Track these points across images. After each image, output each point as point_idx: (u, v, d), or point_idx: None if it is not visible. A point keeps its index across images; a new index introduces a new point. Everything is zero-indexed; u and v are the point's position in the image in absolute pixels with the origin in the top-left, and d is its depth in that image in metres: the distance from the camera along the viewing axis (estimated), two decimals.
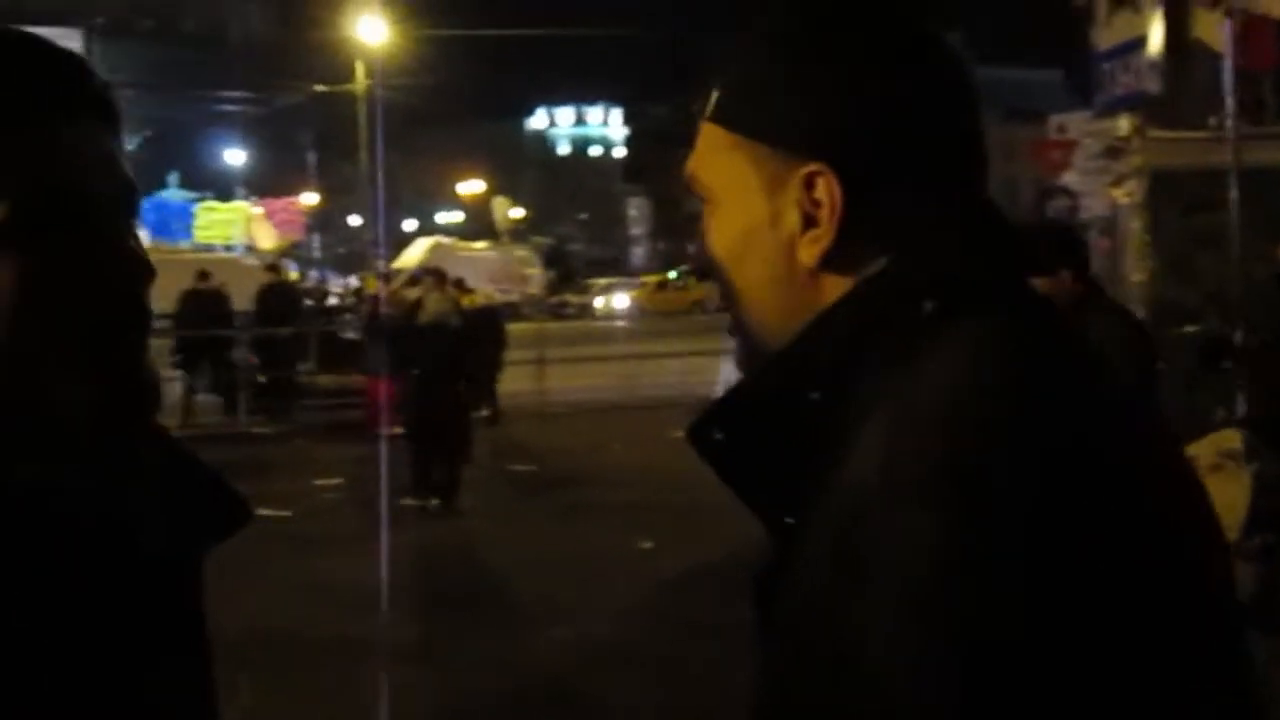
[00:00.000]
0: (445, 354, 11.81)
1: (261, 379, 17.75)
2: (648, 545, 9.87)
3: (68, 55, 1.09)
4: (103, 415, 1.07)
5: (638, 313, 46.59)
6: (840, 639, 0.93)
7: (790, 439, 1.07)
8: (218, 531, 1.20)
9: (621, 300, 49.19)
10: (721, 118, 1.16)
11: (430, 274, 13.80)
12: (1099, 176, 15.12)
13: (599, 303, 39.11)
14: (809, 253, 1.10)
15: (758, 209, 1.13)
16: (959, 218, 1.10)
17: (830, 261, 1.10)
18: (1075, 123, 17.07)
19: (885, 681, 0.89)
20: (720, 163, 1.17)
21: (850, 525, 0.95)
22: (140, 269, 1.09)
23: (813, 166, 1.09)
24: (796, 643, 1.01)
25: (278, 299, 18.73)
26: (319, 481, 12.77)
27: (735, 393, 1.13)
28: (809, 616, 0.99)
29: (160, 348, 17.12)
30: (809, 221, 1.10)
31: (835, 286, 1.10)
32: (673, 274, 56.52)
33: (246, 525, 1.23)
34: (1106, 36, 14.51)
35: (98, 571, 1.05)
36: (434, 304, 12.52)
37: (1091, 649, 0.88)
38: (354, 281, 43.39)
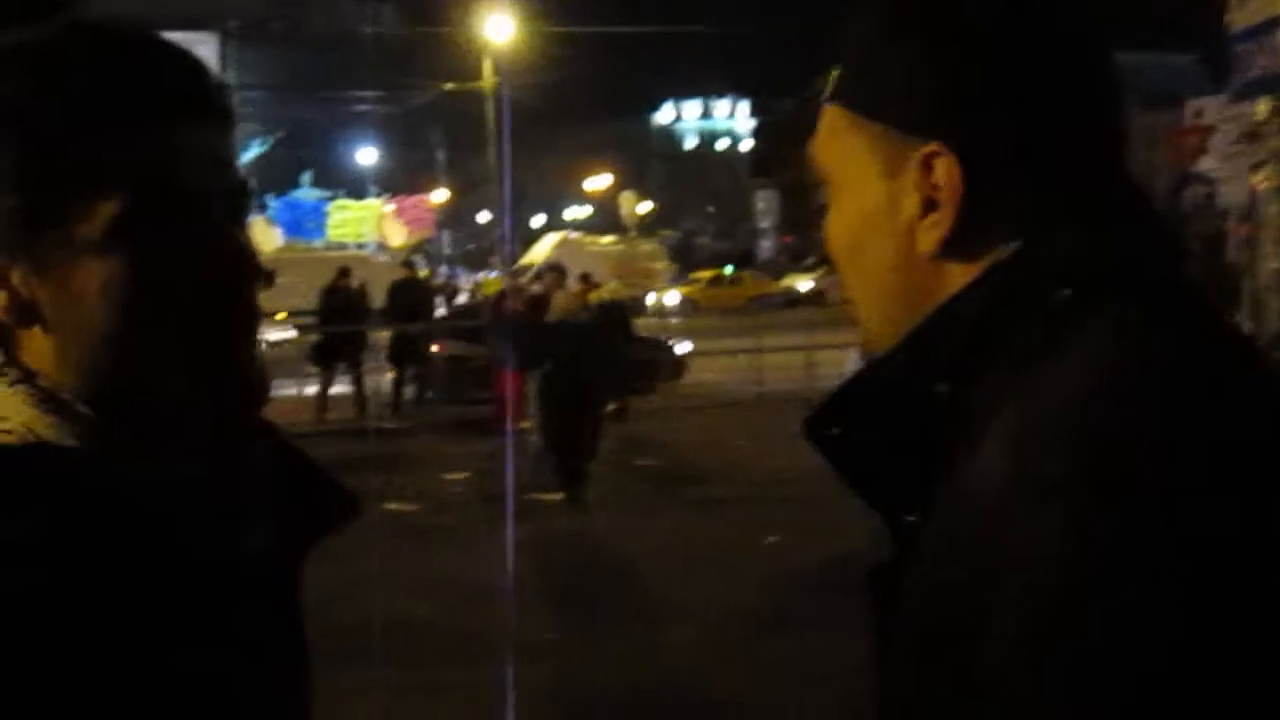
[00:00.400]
0: (573, 349, 11.81)
1: (390, 375, 17.98)
2: (773, 540, 9.80)
3: (183, 54, 1.09)
4: (208, 411, 1.08)
5: (690, 309, 45.76)
6: (966, 645, 0.87)
7: (913, 433, 1.01)
8: (323, 527, 1.21)
9: (673, 297, 48.33)
10: (841, 97, 1.12)
11: (552, 269, 13.89)
12: (1237, 161, 14.67)
13: (650, 299, 38.34)
14: (928, 239, 1.05)
15: (875, 193, 1.08)
16: (1093, 200, 1.02)
17: (952, 248, 1.04)
18: (1212, 107, 16.57)
19: (1008, 695, 0.84)
20: (839, 145, 1.12)
21: (980, 528, 0.89)
22: (250, 268, 1.09)
23: (931, 147, 1.03)
24: (918, 644, 0.95)
25: (408, 295, 18.95)
26: (447, 476, 12.89)
27: (853, 385, 1.08)
28: (933, 619, 0.93)
29: (300, 344, 17.50)
30: (929, 206, 1.04)
31: (958, 274, 1.04)
32: (727, 269, 56.25)
33: (353, 520, 1.23)
34: (1242, 17, 14.07)
35: (200, 566, 1.05)
36: (562, 300, 12.58)
37: (1244, 677, 0.81)
38: (482, 278, 43.82)
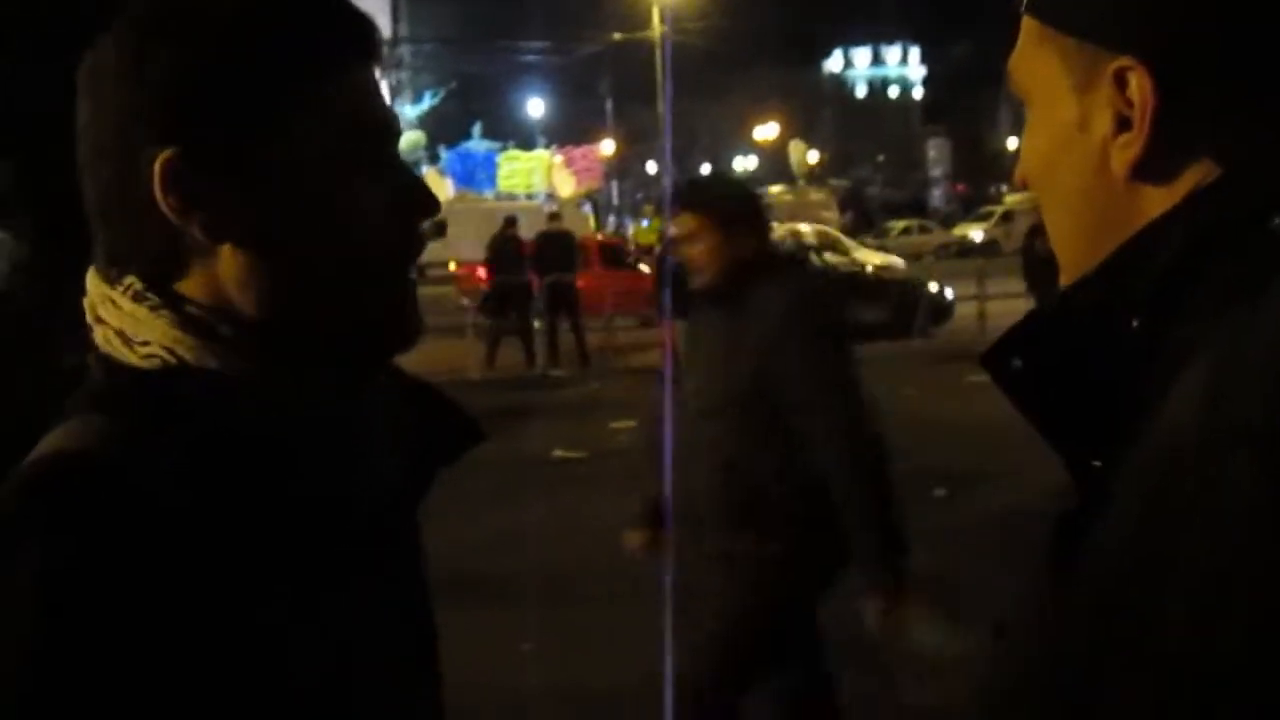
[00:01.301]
0: None
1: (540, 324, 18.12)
2: (941, 493, 9.69)
3: (356, 8, 1.14)
4: (365, 342, 1.12)
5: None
6: (1145, 598, 0.82)
7: (1102, 370, 0.94)
8: (450, 453, 1.23)
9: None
10: (1034, 8, 1.04)
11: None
12: None
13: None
14: (1121, 159, 0.97)
15: (1067, 111, 1.00)
16: None
17: (1147, 170, 0.96)
18: None
19: (1186, 649, 0.78)
20: (1032, 60, 1.04)
21: (1163, 474, 0.83)
22: (429, 200, 1.15)
23: (1123, 60, 0.95)
24: (1100, 595, 0.88)
25: (554, 247, 19.07)
26: (614, 425, 12.97)
27: (1039, 316, 1.01)
28: (1114, 571, 0.86)
29: (472, 294, 17.72)
30: (1121, 124, 0.96)
31: (1156, 200, 0.96)
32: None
33: (475, 445, 1.25)
34: None
35: (328, 500, 1.07)
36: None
37: None
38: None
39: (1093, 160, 0.99)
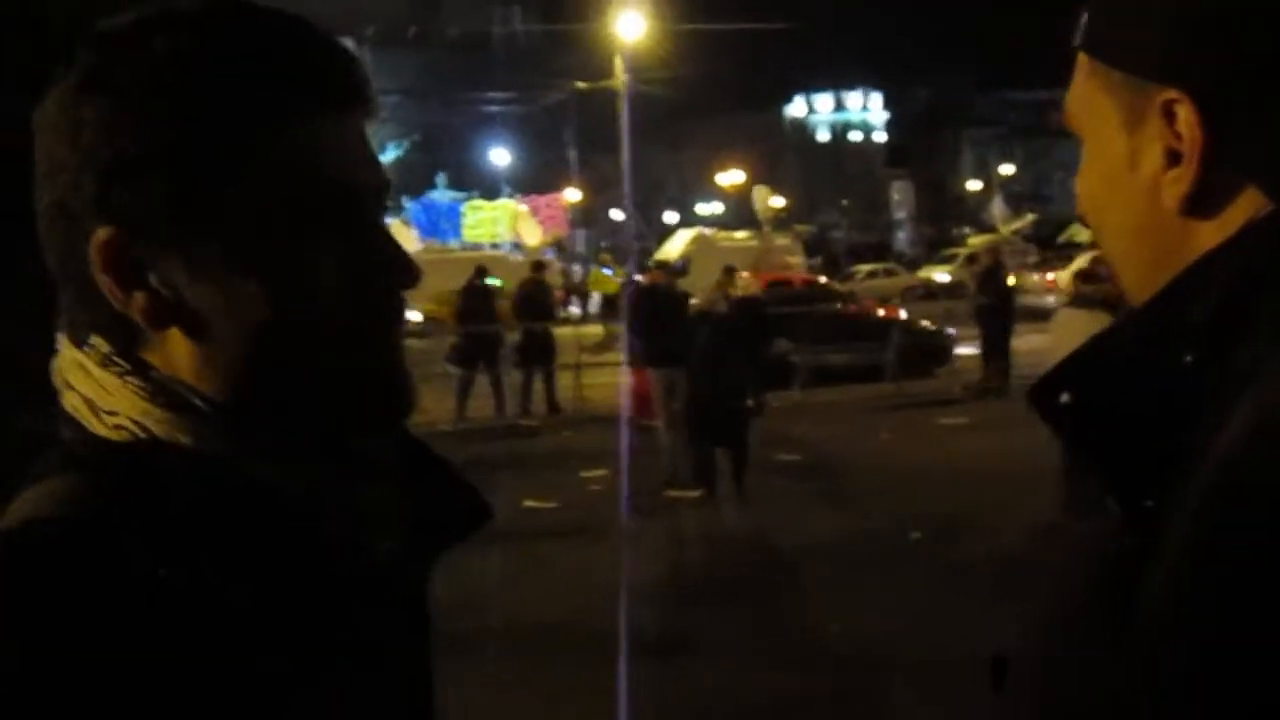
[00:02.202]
0: (714, 342, 11.73)
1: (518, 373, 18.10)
2: (916, 536, 9.65)
3: (336, 42, 1.03)
4: (353, 415, 1.03)
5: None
6: (1203, 643, 0.79)
7: (1153, 406, 0.91)
8: (456, 533, 1.16)
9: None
10: (1087, 43, 1.02)
11: (664, 268, 13.97)
12: None
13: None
14: (1172, 193, 0.95)
15: (1118, 147, 0.99)
16: None
17: (1199, 205, 0.94)
18: None
19: (1251, 690, 0.76)
20: (1085, 96, 1.03)
21: (1206, 510, 0.81)
22: (410, 269, 1.04)
23: (1170, 94, 0.93)
24: (1159, 638, 0.84)
25: (534, 296, 19.01)
26: (585, 473, 12.91)
27: (1091, 350, 0.97)
28: (1171, 614, 0.82)
29: (441, 345, 17.69)
30: (1172, 158, 0.94)
31: (1208, 234, 0.94)
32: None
33: (484, 525, 1.18)
34: None
35: (320, 571, 0.99)
36: (704, 293, 12.59)
37: None
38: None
39: (1144, 196, 0.97)
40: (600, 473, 13.03)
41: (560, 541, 9.74)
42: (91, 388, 0.99)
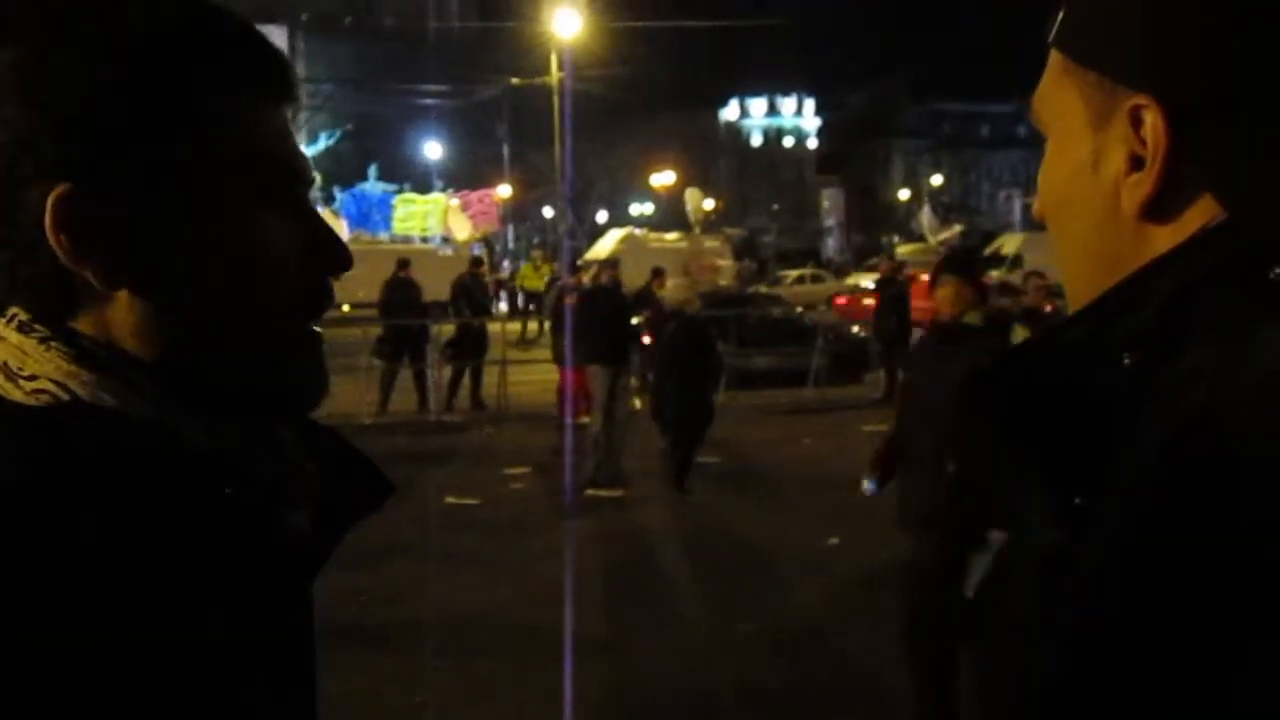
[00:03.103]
0: (688, 338, 12.07)
1: (449, 369, 18.06)
2: (834, 542, 9.73)
3: (274, 44, 1.08)
4: (276, 390, 1.06)
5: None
6: (1157, 633, 0.80)
7: (1089, 406, 0.93)
8: (359, 510, 1.17)
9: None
10: (1059, 40, 1.04)
11: (608, 265, 13.98)
12: None
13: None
14: (1131, 197, 0.97)
15: (1083, 146, 1.01)
16: None
17: (1156, 210, 0.96)
18: None
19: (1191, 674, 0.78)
20: (1054, 93, 1.04)
21: (1172, 506, 0.81)
22: (343, 254, 1.09)
23: (1139, 99, 0.95)
24: (1094, 628, 0.87)
25: (471, 291, 18.99)
26: (508, 470, 12.90)
27: (1029, 347, 1.01)
28: (1116, 606, 0.85)
29: (367, 336, 17.56)
30: (1135, 164, 0.96)
31: (1163, 239, 0.96)
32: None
33: (385, 501, 1.20)
34: None
35: (245, 537, 1.00)
36: (675, 290, 12.88)
37: None
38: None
39: (1104, 198, 0.99)
40: (523, 470, 13.03)
41: (482, 538, 9.72)
42: (8, 353, 0.99)
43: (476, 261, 21.41)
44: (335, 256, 1.08)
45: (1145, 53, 0.95)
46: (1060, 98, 1.03)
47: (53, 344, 0.99)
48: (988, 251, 55.13)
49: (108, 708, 0.88)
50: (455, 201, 45.70)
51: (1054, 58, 1.05)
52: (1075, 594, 0.89)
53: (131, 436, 0.97)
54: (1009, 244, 53.06)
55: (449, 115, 71.39)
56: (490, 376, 18.36)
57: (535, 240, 72.47)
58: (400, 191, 47.36)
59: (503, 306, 36.30)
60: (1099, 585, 0.86)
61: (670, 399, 11.96)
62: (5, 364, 0.99)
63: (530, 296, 33.52)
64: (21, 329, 1.00)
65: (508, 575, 8.79)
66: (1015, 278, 19.18)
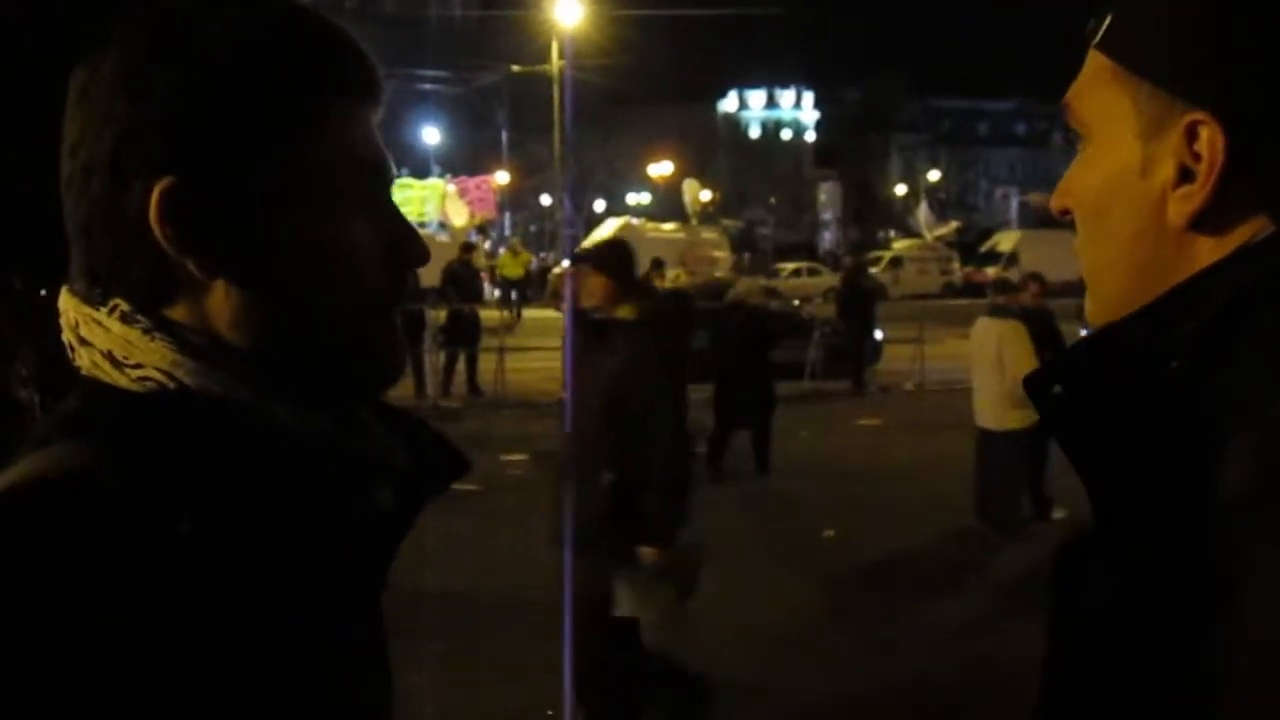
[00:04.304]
0: (746, 334, 12.68)
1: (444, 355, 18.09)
2: (830, 534, 9.78)
3: (351, 39, 1.13)
4: (361, 374, 1.12)
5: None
6: (1192, 643, 0.85)
7: (1137, 406, 0.96)
8: (437, 484, 1.22)
9: None
10: (1109, 45, 1.05)
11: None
12: None
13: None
14: (1180, 210, 0.99)
15: (1130, 153, 1.02)
16: None
17: (1202, 222, 0.99)
18: None
19: (1253, 686, 0.80)
20: (1099, 96, 1.05)
21: (1214, 525, 0.85)
22: (422, 248, 1.14)
23: (1197, 115, 0.97)
24: (1115, 630, 0.92)
25: (462, 278, 19.02)
26: (505, 456, 12.92)
27: (1084, 345, 1.03)
28: (1139, 611, 0.90)
29: None
30: (1184, 175, 0.99)
31: (1207, 250, 0.99)
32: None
33: (464, 475, 1.25)
34: None
35: (332, 522, 1.05)
36: (743, 285, 13.82)
37: None
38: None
39: (1150, 206, 1.01)
40: (521, 457, 13.04)
41: (480, 524, 9.75)
42: (113, 342, 1.04)
43: (467, 247, 21.38)
44: (414, 252, 1.13)
45: (1206, 69, 0.97)
46: (1107, 102, 1.04)
47: (156, 334, 1.03)
48: (984, 248, 55.21)
49: (205, 684, 0.92)
50: (453, 188, 45.69)
51: (1100, 60, 1.06)
52: (1097, 590, 0.95)
53: (235, 420, 1.01)
54: (1005, 241, 53.11)
55: (448, 101, 71.23)
56: (489, 363, 18.37)
57: (532, 229, 72.42)
58: (398, 177, 47.31)
59: (497, 293, 36.29)
60: (1114, 587, 0.92)
61: (738, 388, 12.36)
62: (110, 353, 1.04)
63: (510, 284, 33.38)
64: (124, 319, 1.04)
65: (506, 560, 8.83)
66: (1012, 275, 19.24)
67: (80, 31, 1.07)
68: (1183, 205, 0.99)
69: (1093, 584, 0.98)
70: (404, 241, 1.12)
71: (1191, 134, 0.98)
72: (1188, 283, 0.99)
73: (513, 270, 34.36)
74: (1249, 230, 0.98)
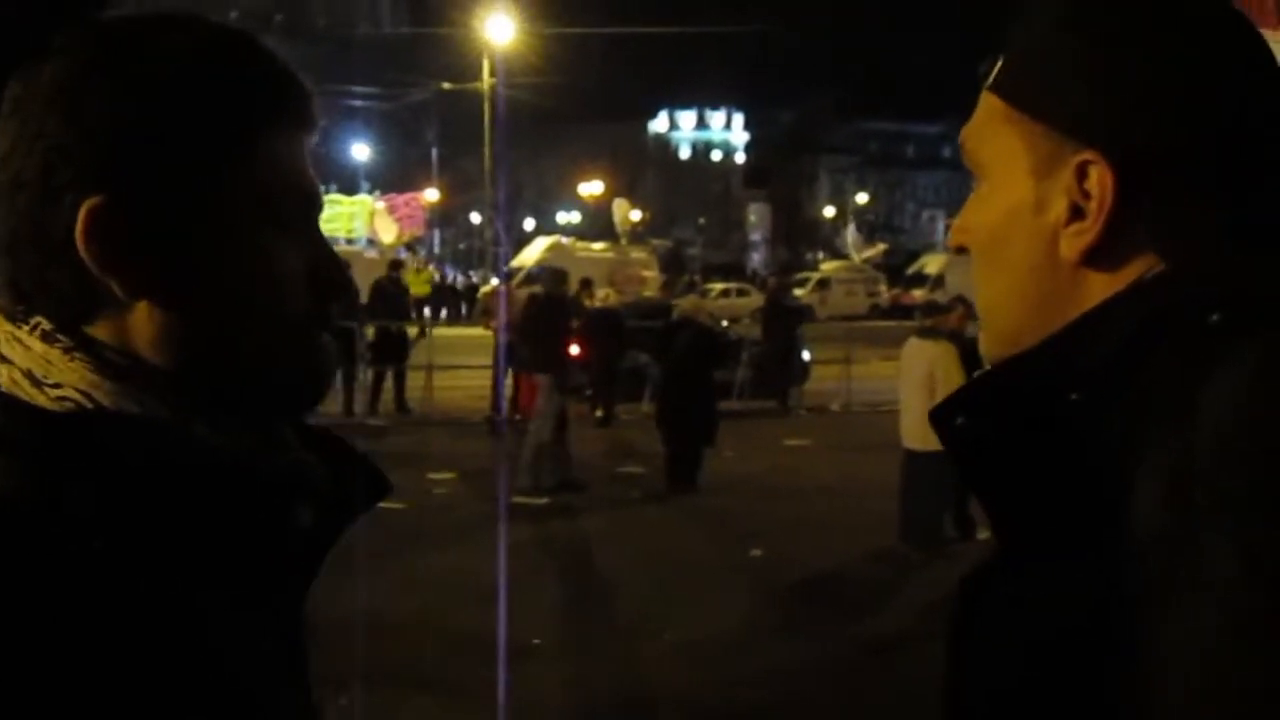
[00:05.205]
0: (689, 346, 12.84)
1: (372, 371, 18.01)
2: (757, 553, 9.82)
3: (299, 76, 1.14)
4: (283, 395, 1.12)
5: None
6: (1110, 660, 0.88)
7: (1038, 437, 0.99)
8: (361, 504, 1.21)
9: None
10: (1002, 88, 1.08)
11: (555, 275, 14.02)
12: None
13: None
14: (1072, 246, 1.02)
15: (1024, 191, 1.05)
16: (1251, 224, 1.00)
17: (1095, 258, 1.02)
18: None
19: (1198, 701, 0.82)
20: (993, 135, 1.08)
21: (1137, 546, 0.88)
22: (346, 276, 1.16)
23: (1087, 155, 1.00)
24: (1034, 652, 0.96)
25: (389, 295, 18.95)
26: (432, 475, 12.88)
27: (986, 379, 1.06)
28: (1059, 627, 0.93)
29: None
30: (1076, 213, 1.02)
31: (1099, 285, 1.02)
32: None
33: (385, 498, 1.24)
34: None
35: (250, 542, 1.05)
36: (688, 302, 14.20)
37: None
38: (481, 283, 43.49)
39: (1043, 242, 1.04)
40: (447, 475, 13.01)
41: (405, 543, 9.70)
42: (33, 361, 1.03)
43: (395, 264, 21.32)
44: (337, 282, 1.14)
45: (1095, 111, 1.01)
46: (1000, 141, 1.07)
47: (76, 354, 1.02)
48: (910, 271, 55.75)
49: (119, 703, 0.92)
50: (381, 204, 45.48)
51: (992, 101, 1.09)
52: (1010, 615, 0.98)
53: (152, 440, 1.01)
54: (932, 264, 53.64)
55: (378, 117, 70.99)
56: (416, 380, 18.30)
57: (460, 246, 72.17)
58: (326, 192, 46.98)
59: (425, 311, 36.13)
60: (1034, 611, 0.96)
61: (682, 405, 12.55)
62: (30, 372, 1.03)
63: (419, 301, 33.15)
64: (45, 338, 1.03)
65: (430, 580, 8.80)
66: (939, 297, 19.43)
67: (16, 42, 1.06)
68: (1075, 242, 1.02)
69: (1003, 613, 1.00)
70: (328, 270, 1.13)
71: (1082, 173, 1.01)
72: (1085, 317, 1.01)
73: (418, 288, 34.20)
74: (1140, 266, 1.01)
